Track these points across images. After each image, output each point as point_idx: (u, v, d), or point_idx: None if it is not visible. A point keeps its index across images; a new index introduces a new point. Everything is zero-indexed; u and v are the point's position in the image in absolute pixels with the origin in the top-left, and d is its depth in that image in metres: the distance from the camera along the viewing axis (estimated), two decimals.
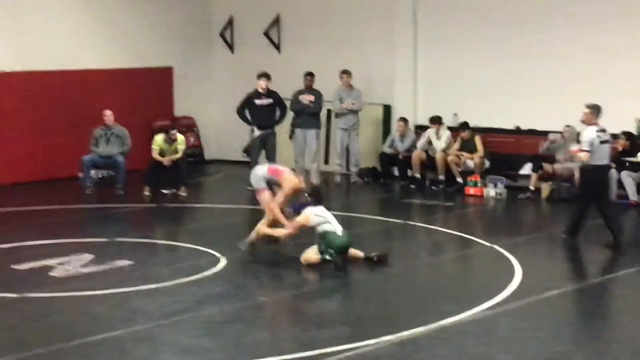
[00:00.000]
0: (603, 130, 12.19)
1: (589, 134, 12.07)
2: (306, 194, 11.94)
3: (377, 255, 11.45)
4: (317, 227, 11.42)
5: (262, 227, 11.94)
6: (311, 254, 11.36)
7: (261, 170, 12.15)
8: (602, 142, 12.14)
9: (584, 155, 12.06)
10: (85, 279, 10.67)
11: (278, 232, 11.85)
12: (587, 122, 12.21)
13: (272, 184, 11.99)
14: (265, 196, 11.91)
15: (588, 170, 12.24)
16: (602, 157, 12.19)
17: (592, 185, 12.27)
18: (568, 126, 15.83)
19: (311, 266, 11.20)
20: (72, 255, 11.72)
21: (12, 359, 8.03)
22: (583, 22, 16.40)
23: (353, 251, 11.52)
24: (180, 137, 16.74)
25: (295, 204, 12.09)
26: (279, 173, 12.02)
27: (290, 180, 11.94)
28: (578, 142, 12.75)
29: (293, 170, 13.15)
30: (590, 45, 16.32)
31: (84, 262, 11.40)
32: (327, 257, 11.22)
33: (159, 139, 16.62)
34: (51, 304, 9.80)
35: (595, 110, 12.19)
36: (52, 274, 10.91)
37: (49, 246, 12.32)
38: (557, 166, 15.92)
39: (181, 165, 16.61)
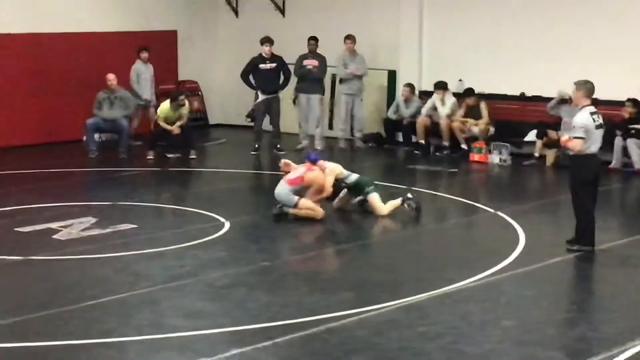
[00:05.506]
0: (596, 113, 10.26)
1: (582, 118, 10.12)
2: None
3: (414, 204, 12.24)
4: (347, 179, 12.17)
5: (305, 203, 11.78)
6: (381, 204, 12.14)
7: (282, 189, 11.85)
8: (597, 126, 10.22)
9: (578, 143, 10.09)
10: (89, 242, 10.68)
11: (325, 193, 11.99)
12: (577, 103, 10.37)
13: (300, 191, 11.87)
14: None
15: (579, 159, 10.29)
16: (596, 145, 10.26)
17: (582, 177, 10.31)
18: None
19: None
20: (75, 218, 11.72)
21: (16, 320, 8.05)
22: None
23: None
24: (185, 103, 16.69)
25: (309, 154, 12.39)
26: (300, 178, 11.87)
27: (332, 169, 12.05)
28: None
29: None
30: (599, 10, 16.17)
31: (88, 226, 11.41)
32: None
33: (164, 106, 16.50)
34: (55, 266, 9.82)
35: (585, 88, 10.23)
36: (56, 236, 10.92)
37: (53, 209, 12.32)
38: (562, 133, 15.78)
39: (187, 130, 16.54)
